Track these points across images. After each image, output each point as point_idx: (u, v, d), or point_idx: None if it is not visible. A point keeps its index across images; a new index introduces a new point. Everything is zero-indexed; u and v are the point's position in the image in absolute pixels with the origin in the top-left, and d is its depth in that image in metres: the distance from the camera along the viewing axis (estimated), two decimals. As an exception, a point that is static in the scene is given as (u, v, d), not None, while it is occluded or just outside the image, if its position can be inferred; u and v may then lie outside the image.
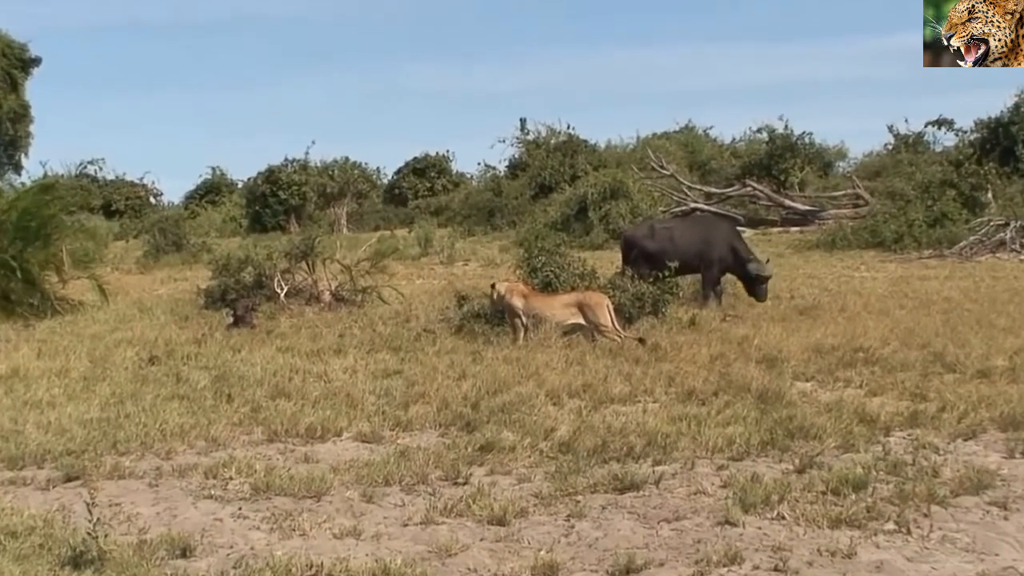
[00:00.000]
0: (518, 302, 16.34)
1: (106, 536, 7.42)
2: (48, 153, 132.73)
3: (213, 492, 9.03)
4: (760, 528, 7.92)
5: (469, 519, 8.21)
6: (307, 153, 60.10)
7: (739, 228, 25.49)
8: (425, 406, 11.87)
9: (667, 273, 18.09)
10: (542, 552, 7.47)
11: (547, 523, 8.14)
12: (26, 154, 58.22)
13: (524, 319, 16.22)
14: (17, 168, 57.82)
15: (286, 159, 58.75)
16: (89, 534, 7.26)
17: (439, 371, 13.82)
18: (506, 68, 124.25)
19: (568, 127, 58.61)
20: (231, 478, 9.37)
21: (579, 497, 8.68)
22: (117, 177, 72.84)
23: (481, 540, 7.80)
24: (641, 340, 15.69)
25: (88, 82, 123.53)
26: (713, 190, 45.21)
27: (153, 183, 73.45)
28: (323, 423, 11.12)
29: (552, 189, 49.56)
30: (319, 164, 59.99)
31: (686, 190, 43.96)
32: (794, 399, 11.91)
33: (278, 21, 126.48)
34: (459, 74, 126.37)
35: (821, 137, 59.03)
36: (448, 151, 68.74)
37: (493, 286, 17.01)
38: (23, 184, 35.99)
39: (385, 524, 8.16)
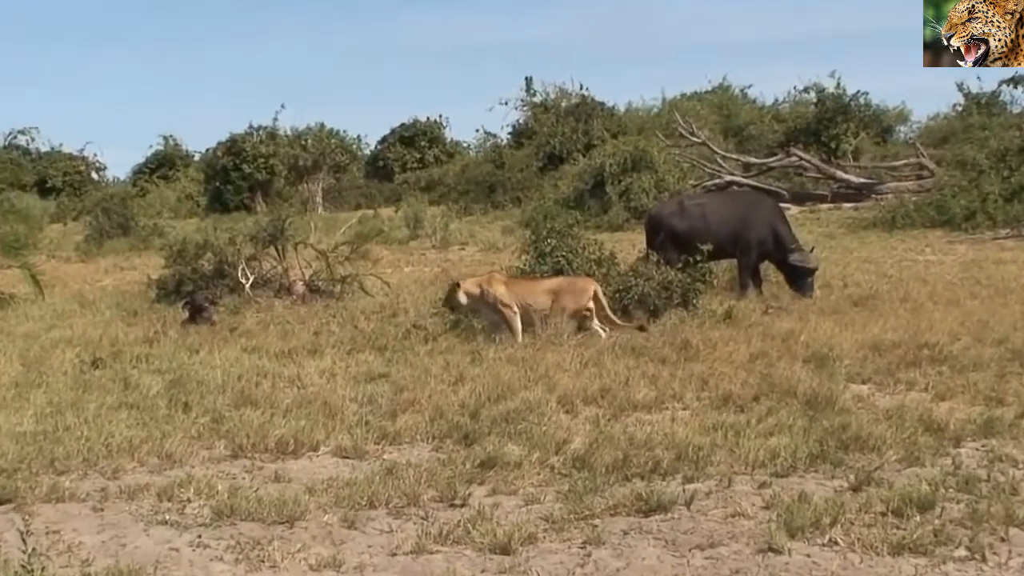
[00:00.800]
0: (502, 291, 16.36)
1: (43, 569, 7.41)
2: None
3: (168, 517, 9.00)
4: (809, 556, 7.92)
5: (468, 547, 8.20)
6: (275, 120, 60.47)
7: (783, 206, 25.47)
8: (416, 415, 11.86)
9: (699, 258, 18.08)
10: (554, 585, 7.48)
11: (559, 551, 8.13)
12: (-58, 123, 58.27)
13: (515, 308, 16.26)
14: (-68, 139, 57.87)
15: (251, 127, 59.01)
16: (23, 567, 7.24)
17: (432, 374, 13.83)
18: (508, 17, 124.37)
19: (581, 87, 59.01)
20: (189, 500, 9.37)
21: (597, 521, 8.66)
22: (52, 149, 73.17)
23: (482, 572, 7.80)
24: (642, 327, 15.92)
25: (17, 35, 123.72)
26: (752, 160, 45.28)
27: (95, 156, 73.84)
28: (296, 436, 11.10)
29: (563, 160, 49.71)
30: (290, 133, 60.23)
31: (720, 160, 44.02)
32: (848, 405, 11.90)
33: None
34: (453, 25, 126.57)
35: (879, 98, 59.39)
36: (441, 116, 69.18)
37: (457, 285, 16.88)
38: (-61, 158, 36.03)
39: (370, 553, 8.15)
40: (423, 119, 68.52)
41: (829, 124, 49.99)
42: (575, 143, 51.48)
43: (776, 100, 60.57)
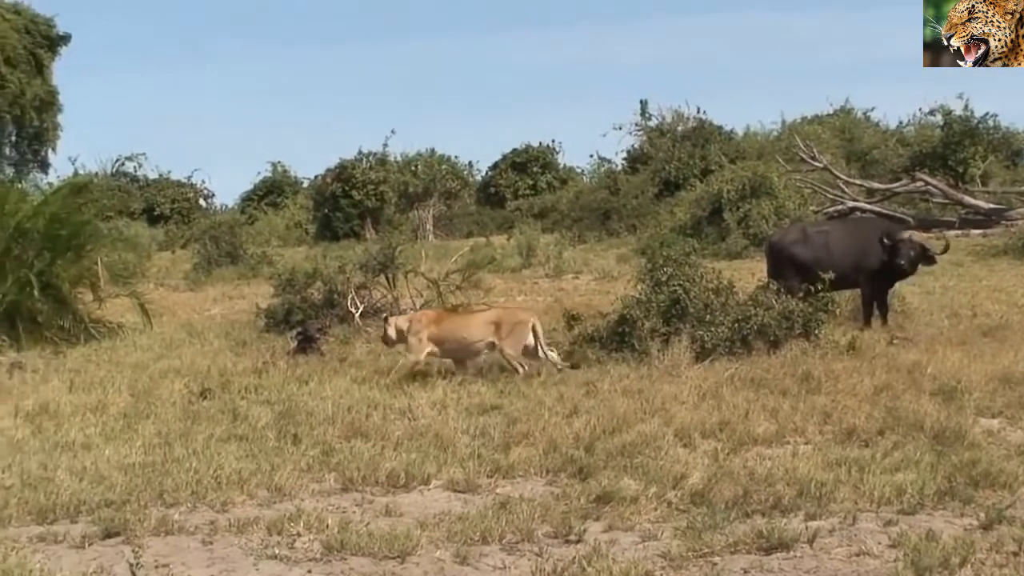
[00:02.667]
0: (432, 330, 16.49)
1: (152, 603, 7.51)
2: (79, 147, 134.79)
3: (277, 551, 9.06)
4: (937, 597, 7.84)
5: (583, 584, 8.19)
6: (385, 145, 60.79)
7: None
8: (529, 448, 11.87)
9: (821, 287, 17.95)
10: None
11: (677, 590, 8.10)
12: (53, 149, 59.34)
13: (435, 349, 16.46)
14: (43, 166, 58.93)
15: (360, 153, 59.35)
16: (132, 600, 7.35)
17: (545, 406, 13.83)
18: (623, 40, 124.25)
19: (698, 111, 58.89)
20: (299, 534, 9.42)
21: (716, 558, 8.63)
22: (161, 176, 74.06)
23: (598, 610, 7.79)
24: (575, 366, 16.10)
25: (125, 63, 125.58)
26: (876, 185, 44.92)
27: (203, 183, 74.66)
28: (407, 469, 11.14)
29: (680, 186, 49.62)
30: (400, 158, 60.45)
31: (843, 186, 43.71)
32: (978, 439, 11.77)
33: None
34: (566, 48, 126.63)
35: (1008, 120, 58.62)
36: (554, 142, 69.17)
37: (387, 320, 17.33)
38: (51, 185, 36.61)
39: (483, 590, 8.17)
40: (535, 144, 68.68)
41: (956, 148, 49.55)
42: (692, 168, 51.39)
43: (901, 123, 60.18)
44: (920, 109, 57.74)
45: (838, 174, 44.76)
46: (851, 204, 41.51)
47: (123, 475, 11.13)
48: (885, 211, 41.17)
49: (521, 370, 15.90)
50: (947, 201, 42.51)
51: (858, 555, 8.68)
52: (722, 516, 9.49)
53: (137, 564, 7.55)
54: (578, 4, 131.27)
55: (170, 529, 9.62)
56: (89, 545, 9.33)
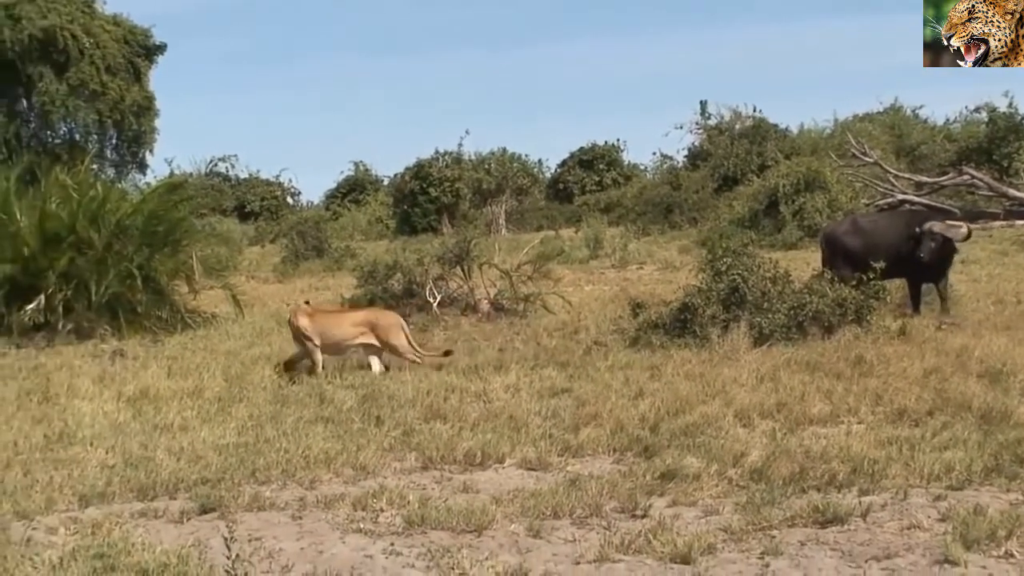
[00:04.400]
0: (305, 323, 16.33)
1: (246, 574, 7.55)
2: (175, 150, 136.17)
3: (362, 525, 9.08)
4: (985, 568, 7.76)
5: (649, 556, 8.16)
6: (460, 145, 60.91)
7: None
8: (597, 429, 11.84)
9: (872, 275, 17.83)
10: (733, 594, 7.43)
11: (738, 561, 8.07)
12: (151, 151, 59.64)
13: (315, 340, 16.27)
14: (142, 167, 59.28)
15: (437, 152, 59.60)
16: (228, 572, 7.38)
17: (612, 389, 13.80)
18: (683, 44, 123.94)
19: (755, 110, 58.66)
20: (382, 510, 9.45)
21: (774, 532, 8.58)
22: (251, 175, 74.62)
23: (663, 580, 7.78)
24: (447, 352, 16.15)
25: (217, 70, 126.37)
26: (924, 179, 44.49)
27: (290, 181, 75.23)
28: (483, 448, 11.15)
29: (738, 181, 49.41)
30: (474, 157, 60.63)
31: (892, 180, 43.35)
32: (1023, 419, 11.65)
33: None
34: (630, 53, 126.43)
35: (1052, 116, 57.74)
36: (619, 140, 69.27)
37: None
38: (148, 184, 36.90)
39: (554, 562, 8.16)
40: (601, 143, 68.68)
41: (1001, 143, 49.09)
42: (749, 164, 51.14)
43: (948, 120, 59.82)
44: (966, 106, 57.48)
45: (888, 168, 44.36)
46: (900, 197, 41.12)
47: (218, 455, 11.21)
48: (933, 203, 40.83)
49: (418, 360, 15.91)
50: (992, 194, 42.05)
51: (909, 528, 8.61)
52: (780, 492, 9.44)
53: (232, 538, 7.58)
54: (642, 12, 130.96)
55: (262, 505, 9.68)
56: (187, 520, 9.40)
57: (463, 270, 22.31)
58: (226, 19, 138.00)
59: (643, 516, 9.07)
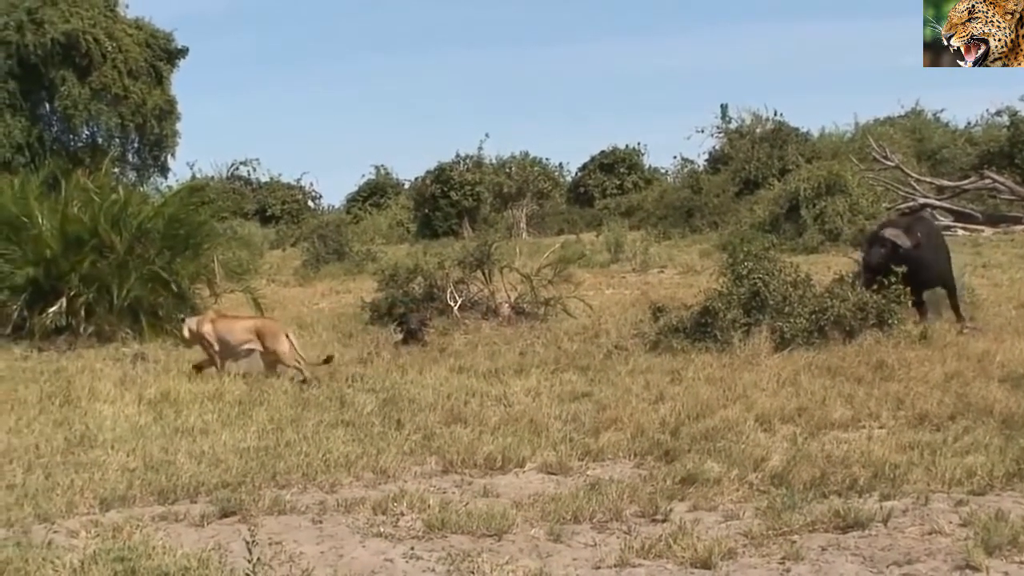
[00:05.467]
0: (207, 328, 16.73)
1: (267, 578, 7.56)
2: (196, 153, 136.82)
3: (383, 529, 9.09)
4: (1007, 573, 7.74)
5: (670, 561, 8.16)
6: (481, 149, 61.04)
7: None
8: (618, 433, 11.85)
9: (892, 280, 17.75)
10: (753, 599, 7.41)
11: (759, 566, 8.06)
12: (172, 155, 59.92)
13: (216, 344, 16.65)
14: (163, 170, 59.55)
15: (457, 156, 59.67)
16: (248, 575, 7.39)
17: (633, 393, 13.80)
18: (704, 47, 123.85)
19: (776, 113, 58.56)
20: (402, 514, 9.45)
21: (795, 537, 8.57)
22: (272, 179, 74.82)
23: (683, 585, 7.76)
24: (328, 359, 16.21)
25: (239, 74, 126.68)
26: (946, 183, 44.50)
27: (311, 185, 75.41)
28: (504, 452, 11.15)
29: (759, 185, 49.40)
30: (494, 161, 60.68)
31: (914, 183, 43.34)
32: (1045, 424, 11.62)
33: None
34: (650, 55, 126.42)
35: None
36: (639, 144, 69.28)
37: (183, 322, 17.56)
38: (170, 188, 37.02)
39: (575, 566, 8.15)
40: (622, 147, 68.68)
41: (1022, 147, 48.97)
42: (770, 168, 51.15)
43: (969, 123, 59.73)
44: (987, 110, 57.39)
45: (909, 172, 44.37)
46: (922, 201, 41.14)
47: (239, 458, 11.22)
48: (955, 207, 40.79)
49: (305, 372, 15.88)
50: (1014, 197, 42.05)
51: (930, 534, 8.59)
52: (800, 497, 9.42)
53: (252, 541, 7.58)
54: (661, 15, 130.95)
55: (283, 509, 9.69)
56: (207, 524, 9.40)
57: (484, 274, 22.30)
58: (248, 21, 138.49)
59: (663, 521, 9.06)
